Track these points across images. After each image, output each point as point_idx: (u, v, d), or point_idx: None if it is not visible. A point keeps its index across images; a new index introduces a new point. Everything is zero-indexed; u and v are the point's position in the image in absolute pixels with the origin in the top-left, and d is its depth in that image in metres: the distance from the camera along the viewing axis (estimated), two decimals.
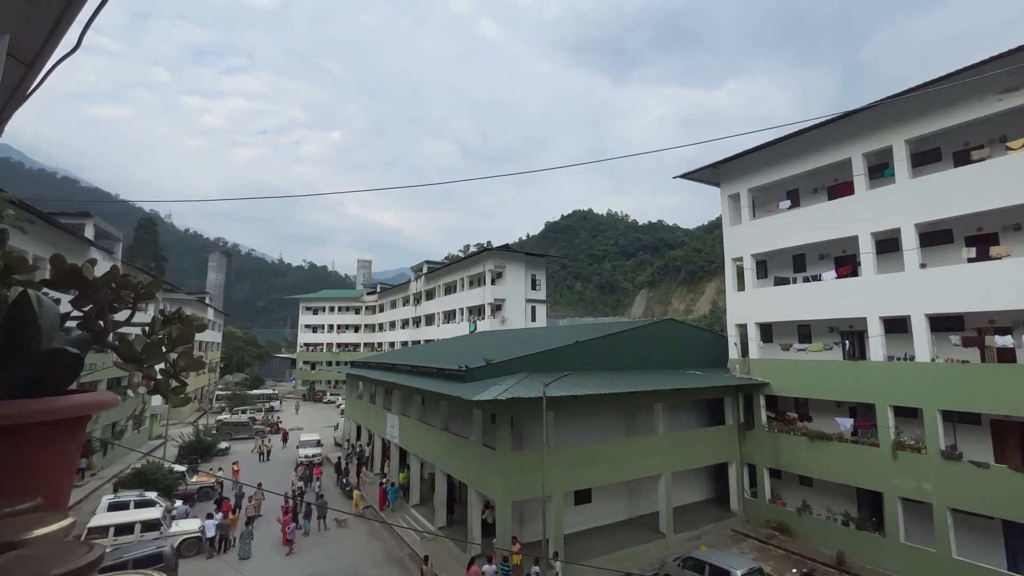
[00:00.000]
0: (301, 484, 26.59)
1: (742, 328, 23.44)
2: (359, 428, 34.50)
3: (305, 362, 77.73)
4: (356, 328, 78.48)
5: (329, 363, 73.71)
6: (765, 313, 22.52)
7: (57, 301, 1.22)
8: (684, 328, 27.30)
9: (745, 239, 23.55)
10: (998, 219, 16.58)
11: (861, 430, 19.06)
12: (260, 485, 20.69)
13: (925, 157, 18.57)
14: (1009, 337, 15.85)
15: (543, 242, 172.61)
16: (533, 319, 44.79)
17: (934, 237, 18.17)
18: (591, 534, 19.34)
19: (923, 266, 17.54)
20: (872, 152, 19.07)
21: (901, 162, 18.15)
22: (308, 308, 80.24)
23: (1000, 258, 16.01)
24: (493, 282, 43.43)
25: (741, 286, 23.71)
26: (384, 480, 25.49)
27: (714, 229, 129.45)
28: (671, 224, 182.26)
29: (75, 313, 1.32)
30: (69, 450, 1.00)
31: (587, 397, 17.27)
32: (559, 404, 16.74)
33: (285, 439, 39.74)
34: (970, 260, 16.77)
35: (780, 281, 22.81)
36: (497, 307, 43.33)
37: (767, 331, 23.26)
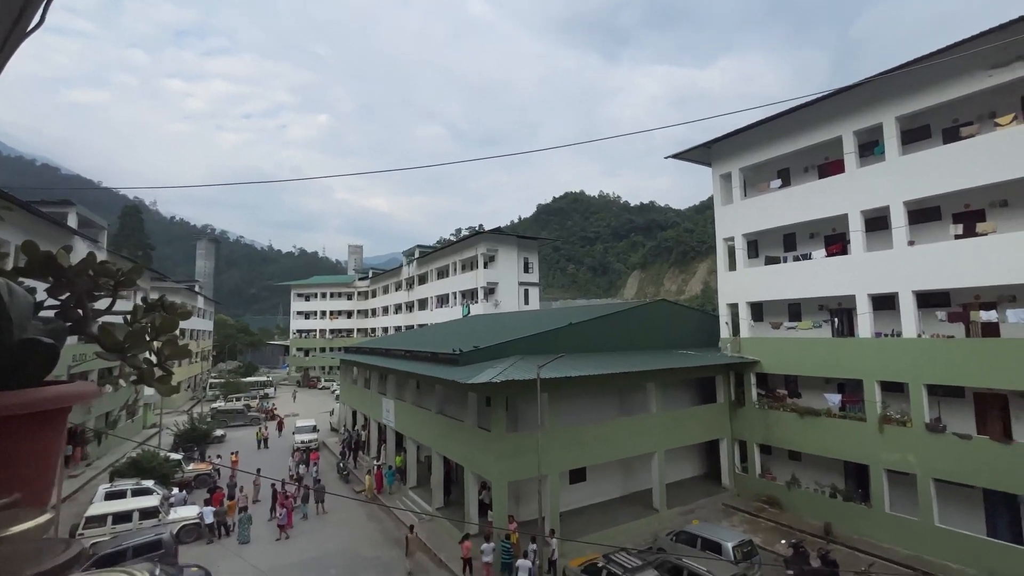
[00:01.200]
0: (299, 469, 26.75)
1: (733, 307, 23.64)
2: (355, 413, 34.64)
3: (298, 349, 77.56)
4: (349, 314, 78.15)
5: (322, 349, 73.66)
6: (756, 292, 22.70)
7: (32, 290, 1.17)
8: (676, 308, 27.48)
9: (736, 219, 23.58)
10: (985, 196, 16.71)
11: (849, 405, 19.43)
12: (259, 471, 20.81)
13: (915, 135, 18.57)
14: (993, 312, 16.11)
15: (535, 224, 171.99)
16: (526, 302, 44.83)
17: (922, 215, 18.28)
18: (586, 511, 19.72)
19: (911, 243, 17.70)
20: (863, 130, 19.04)
21: (891, 139, 18.16)
22: (300, 295, 79.71)
23: (986, 234, 16.19)
24: (486, 266, 43.28)
25: (732, 266, 23.83)
26: (381, 463, 25.70)
27: (705, 209, 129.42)
28: (663, 205, 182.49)
29: (51, 302, 1.28)
30: (49, 443, 0.97)
31: (581, 378, 17.40)
32: (553, 386, 16.87)
33: (280, 427, 39.52)
34: (957, 237, 16.94)
35: (771, 260, 22.92)
36: (490, 290, 43.26)
37: (758, 310, 23.48)
